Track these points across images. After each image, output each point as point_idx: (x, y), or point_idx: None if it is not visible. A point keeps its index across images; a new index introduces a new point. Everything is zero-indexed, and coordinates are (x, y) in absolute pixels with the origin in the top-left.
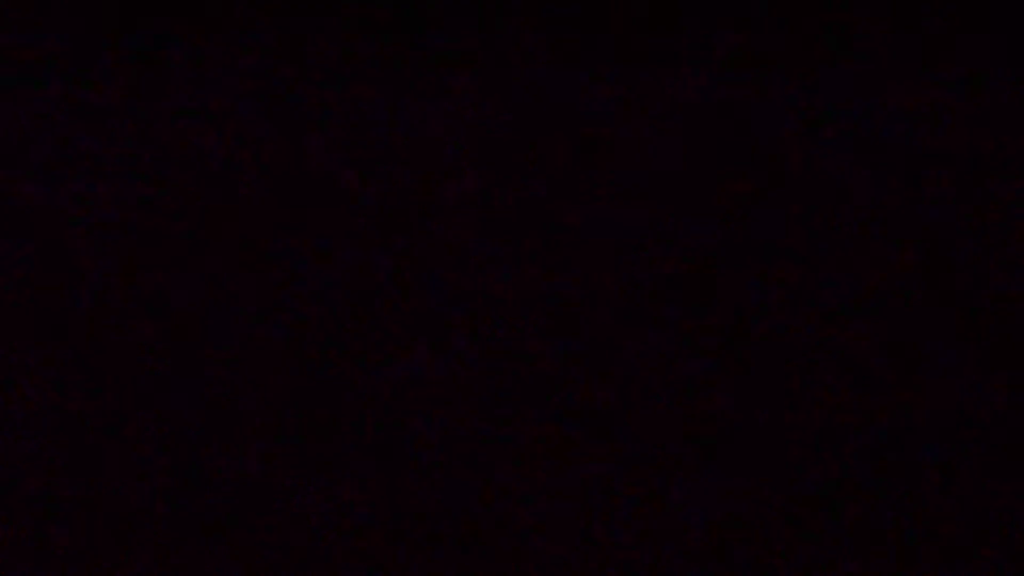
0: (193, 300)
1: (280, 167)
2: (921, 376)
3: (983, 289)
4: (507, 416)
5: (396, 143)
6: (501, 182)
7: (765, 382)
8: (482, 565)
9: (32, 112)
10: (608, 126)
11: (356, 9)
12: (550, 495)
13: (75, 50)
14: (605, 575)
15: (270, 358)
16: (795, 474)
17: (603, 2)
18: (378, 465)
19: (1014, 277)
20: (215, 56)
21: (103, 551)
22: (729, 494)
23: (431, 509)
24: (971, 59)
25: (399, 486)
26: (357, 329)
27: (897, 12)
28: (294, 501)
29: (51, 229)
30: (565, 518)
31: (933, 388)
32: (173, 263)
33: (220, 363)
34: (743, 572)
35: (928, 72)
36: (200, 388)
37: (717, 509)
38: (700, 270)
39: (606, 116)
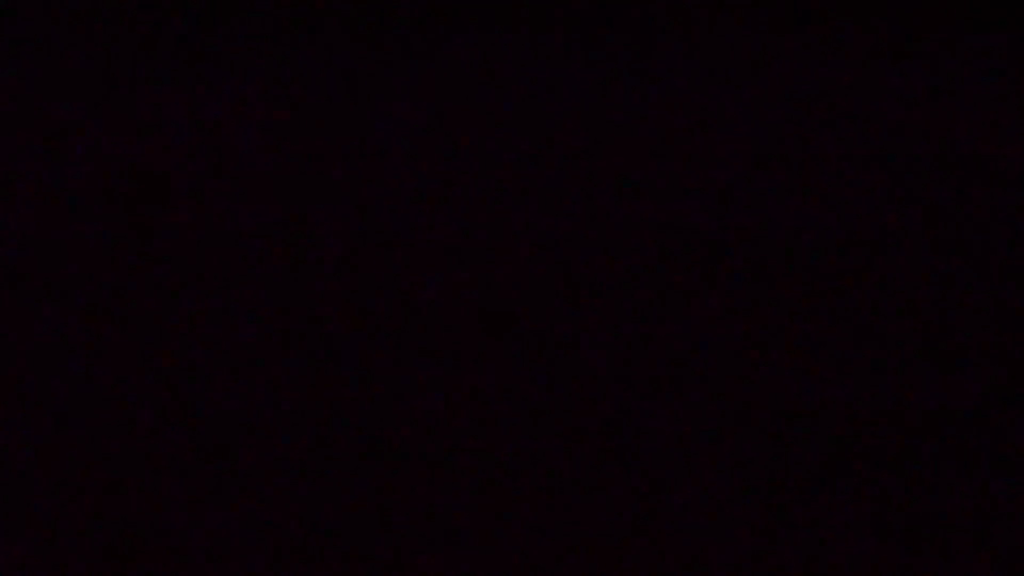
0: (192, 301)
1: (279, 166)
2: (921, 375)
3: (984, 288)
4: (505, 417)
5: (393, 140)
6: (498, 180)
7: (765, 382)
8: (484, 565)
9: (32, 111)
10: (608, 124)
11: (353, 9)
12: (549, 496)
13: (74, 50)
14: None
15: (268, 359)
16: (795, 474)
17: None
18: (377, 467)
19: (1014, 276)
20: (212, 55)
21: (101, 550)
22: (729, 494)
23: (431, 510)
24: (972, 56)
25: (399, 487)
26: (357, 329)
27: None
28: (294, 502)
29: (50, 229)
30: (564, 519)
31: (933, 387)
32: (171, 263)
33: (220, 364)
34: (743, 572)
35: (928, 69)
36: (201, 389)
37: (716, 509)
38: (700, 269)
39: (605, 114)
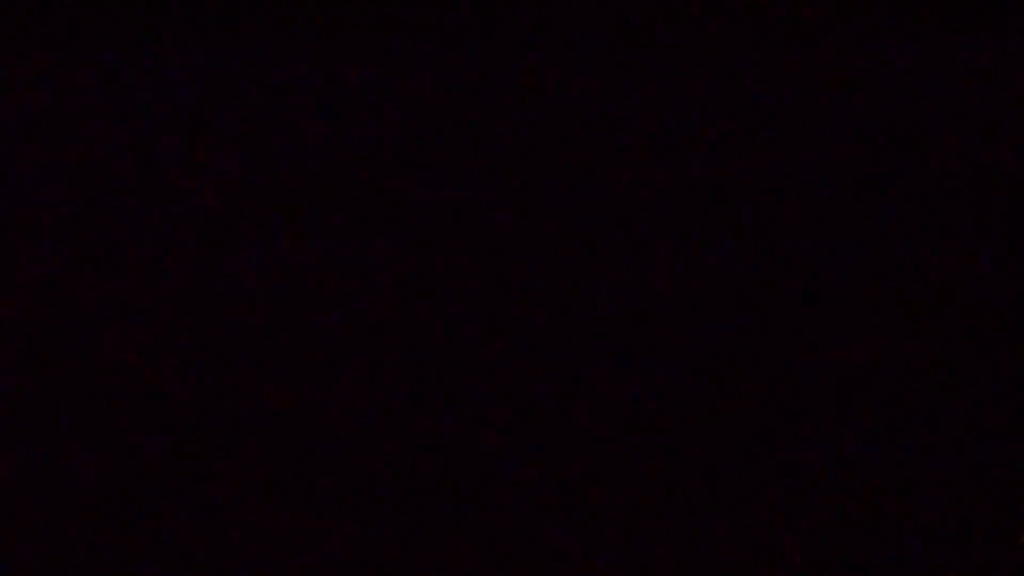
0: (191, 299)
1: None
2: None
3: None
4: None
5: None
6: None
7: (765, 383)
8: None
9: (31, 111)
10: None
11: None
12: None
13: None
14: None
15: (267, 358)
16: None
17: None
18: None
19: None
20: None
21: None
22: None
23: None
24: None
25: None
26: (360, 328)
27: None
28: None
29: (50, 228)
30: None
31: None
32: (170, 261)
33: (220, 362)
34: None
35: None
36: (199, 388)
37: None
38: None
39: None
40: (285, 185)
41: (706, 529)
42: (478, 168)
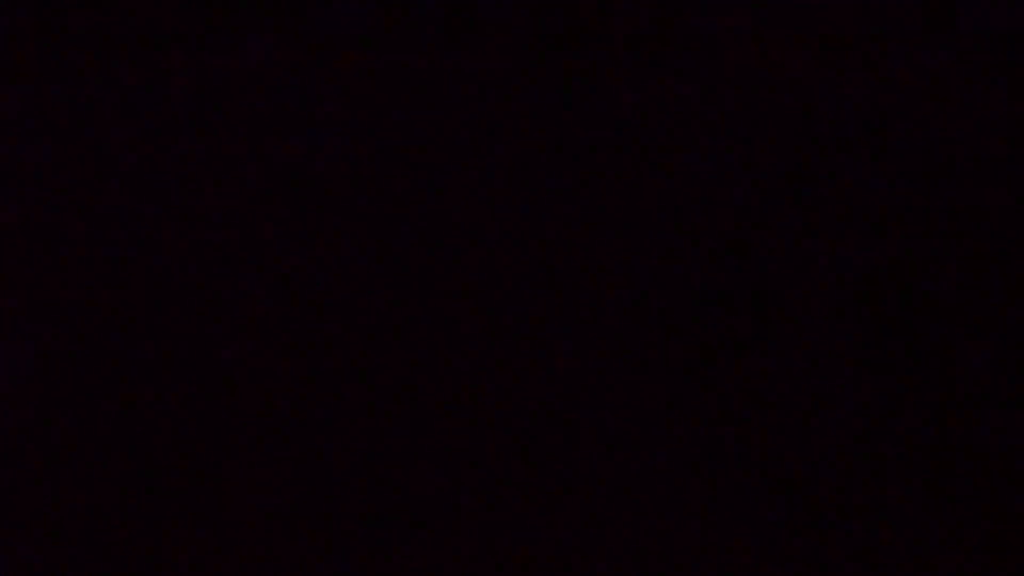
0: (192, 298)
1: (288, 159)
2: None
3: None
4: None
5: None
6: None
7: (768, 381)
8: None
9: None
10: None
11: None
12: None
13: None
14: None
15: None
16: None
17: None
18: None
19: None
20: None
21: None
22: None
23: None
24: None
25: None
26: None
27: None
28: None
29: (51, 227)
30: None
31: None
32: (170, 261)
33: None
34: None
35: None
36: (199, 387)
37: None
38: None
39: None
40: (283, 185)
41: (706, 529)
42: (476, 168)
